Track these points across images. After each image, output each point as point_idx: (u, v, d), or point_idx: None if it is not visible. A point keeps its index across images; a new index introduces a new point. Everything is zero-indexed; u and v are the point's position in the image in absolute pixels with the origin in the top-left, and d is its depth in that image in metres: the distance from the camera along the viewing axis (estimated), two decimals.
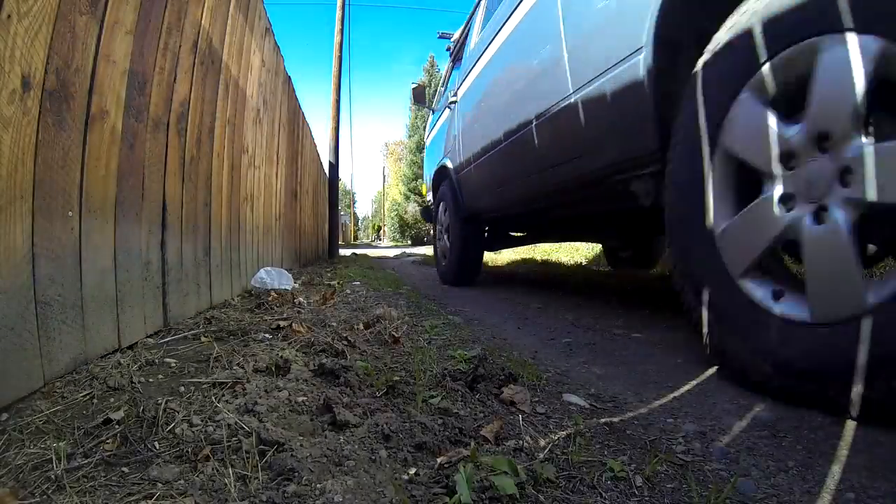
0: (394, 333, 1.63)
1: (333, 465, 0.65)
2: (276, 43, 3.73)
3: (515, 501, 0.65)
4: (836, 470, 0.82)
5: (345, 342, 1.40)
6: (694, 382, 1.34)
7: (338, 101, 8.19)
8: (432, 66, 34.14)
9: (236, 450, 0.70)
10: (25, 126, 1.10)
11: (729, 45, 1.20)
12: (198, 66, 2.04)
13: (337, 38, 8.11)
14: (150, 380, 1.19)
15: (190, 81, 1.98)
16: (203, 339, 1.61)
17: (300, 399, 0.90)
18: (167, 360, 1.37)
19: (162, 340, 1.62)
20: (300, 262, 5.63)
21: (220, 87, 2.35)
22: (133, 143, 1.55)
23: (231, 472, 0.62)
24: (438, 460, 0.72)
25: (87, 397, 1.08)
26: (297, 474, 0.61)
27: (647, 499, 0.72)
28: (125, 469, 0.71)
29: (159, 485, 0.64)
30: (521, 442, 0.85)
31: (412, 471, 0.69)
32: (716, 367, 1.38)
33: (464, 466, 0.66)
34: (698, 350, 1.68)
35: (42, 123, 1.15)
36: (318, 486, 0.58)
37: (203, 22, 2.07)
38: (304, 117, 5.83)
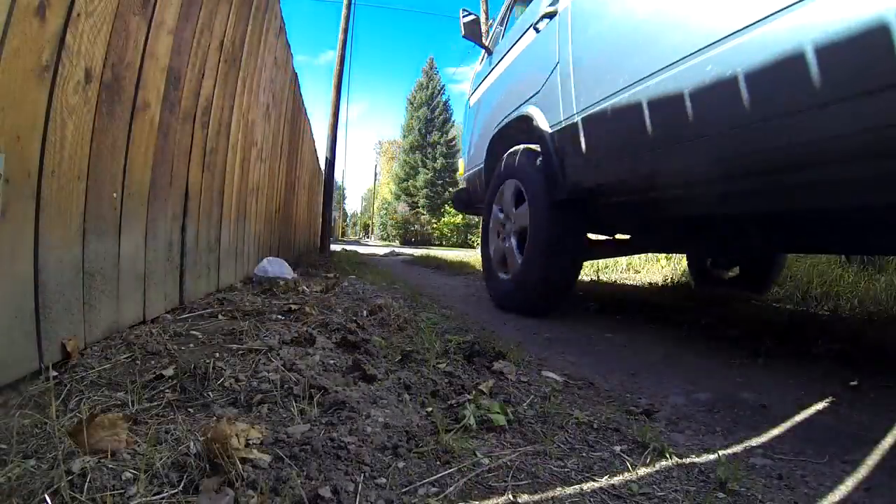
0: (396, 320, 1.79)
1: (370, 402, 0.81)
2: (287, 41, 3.86)
3: (504, 431, 0.88)
4: (752, 434, 1.04)
5: (355, 324, 1.55)
6: (652, 371, 1.54)
7: (338, 102, 8.30)
8: (431, 67, 34.33)
9: (288, 393, 0.85)
10: (86, 114, 1.23)
11: None
12: (222, 64, 2.17)
13: (341, 37, 8.23)
14: (183, 347, 1.32)
15: (214, 77, 2.11)
16: (220, 317, 1.75)
17: (331, 361, 1.05)
18: (193, 332, 1.50)
19: (180, 317, 1.74)
20: (294, 255, 5.73)
21: (238, 83, 2.48)
22: (167, 133, 1.68)
23: (293, 404, 0.77)
24: (448, 402, 0.90)
25: (130, 359, 1.21)
26: (346, 405, 0.77)
27: (601, 434, 0.96)
28: (190, 409, 0.85)
29: (227, 417, 0.78)
30: (508, 397, 1.06)
31: (429, 409, 0.89)
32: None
33: (469, 403, 0.85)
34: (661, 349, 1.87)
35: (98, 113, 1.28)
36: (364, 412, 0.73)
37: (229, 21, 2.21)
38: (305, 113, 5.94)
